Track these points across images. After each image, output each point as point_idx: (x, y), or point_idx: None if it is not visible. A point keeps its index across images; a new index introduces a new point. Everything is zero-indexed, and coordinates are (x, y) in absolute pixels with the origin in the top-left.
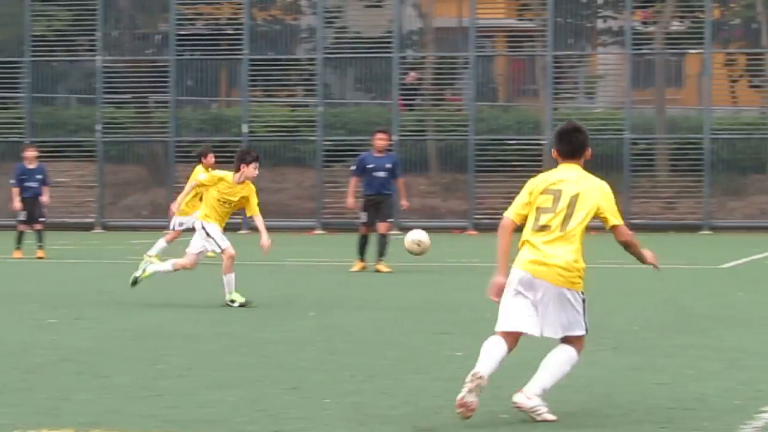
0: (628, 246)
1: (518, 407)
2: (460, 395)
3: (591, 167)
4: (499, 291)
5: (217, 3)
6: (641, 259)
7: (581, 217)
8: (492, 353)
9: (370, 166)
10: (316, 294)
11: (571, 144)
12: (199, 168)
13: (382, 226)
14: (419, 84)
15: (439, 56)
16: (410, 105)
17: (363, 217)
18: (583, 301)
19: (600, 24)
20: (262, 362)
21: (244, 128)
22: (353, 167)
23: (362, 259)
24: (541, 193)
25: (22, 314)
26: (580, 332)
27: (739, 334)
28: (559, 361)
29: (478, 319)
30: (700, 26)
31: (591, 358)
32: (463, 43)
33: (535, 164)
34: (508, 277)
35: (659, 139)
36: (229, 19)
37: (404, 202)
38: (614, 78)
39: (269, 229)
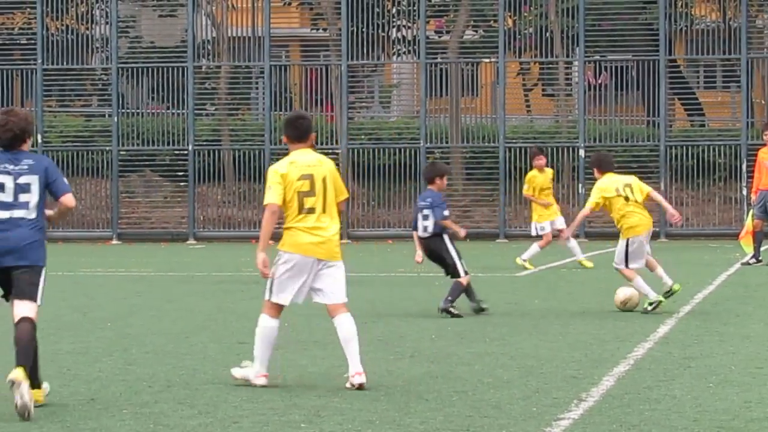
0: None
1: (360, 385)
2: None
3: (387, 177)
4: (265, 265)
5: (10, 12)
6: None
7: (332, 196)
8: (271, 339)
9: None
10: (112, 304)
11: (299, 129)
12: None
13: None
14: (214, 92)
15: (234, 66)
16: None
17: None
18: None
19: (394, 33)
20: (59, 373)
21: (39, 138)
22: None
23: None
24: (297, 179)
25: None
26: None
27: (536, 341)
28: (355, 331)
29: (279, 328)
30: (494, 35)
31: (389, 367)
32: (258, 53)
33: None
34: (284, 258)
35: (454, 148)
36: (22, 28)
37: None
38: (409, 87)
39: (65, 239)
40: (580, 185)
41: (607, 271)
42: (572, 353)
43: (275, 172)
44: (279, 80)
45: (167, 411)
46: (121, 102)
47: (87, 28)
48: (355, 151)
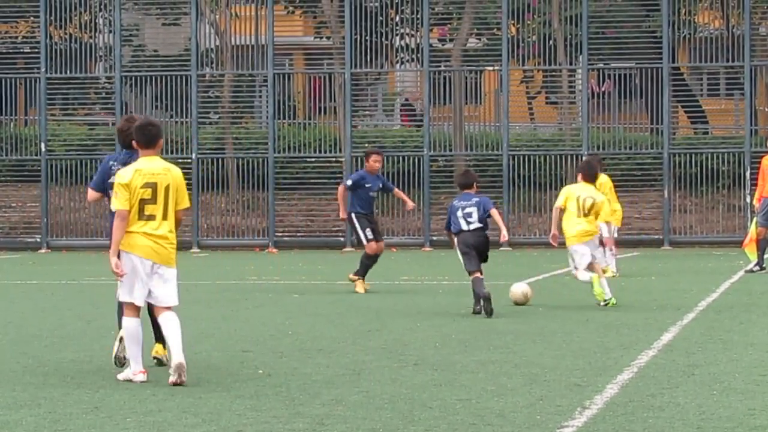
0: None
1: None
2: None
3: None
4: (117, 266)
5: (14, 21)
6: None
7: (173, 204)
8: (139, 336)
9: (368, 185)
10: (116, 313)
11: (147, 135)
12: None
13: (380, 246)
14: (218, 101)
15: (237, 74)
16: (414, 122)
17: (369, 234)
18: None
19: (397, 41)
20: (63, 382)
21: (43, 147)
22: (348, 181)
23: (363, 278)
24: (141, 186)
25: None
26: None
27: (540, 349)
28: (178, 325)
29: (280, 336)
30: (497, 43)
31: (393, 375)
32: (262, 61)
33: (334, 181)
34: (123, 259)
35: (458, 156)
36: (26, 37)
37: (411, 204)
38: (412, 95)
39: (69, 248)
40: None
41: (612, 279)
42: (576, 361)
43: (120, 179)
44: (283, 88)
45: (171, 419)
46: (124, 110)
47: (90, 37)
48: (359, 159)
